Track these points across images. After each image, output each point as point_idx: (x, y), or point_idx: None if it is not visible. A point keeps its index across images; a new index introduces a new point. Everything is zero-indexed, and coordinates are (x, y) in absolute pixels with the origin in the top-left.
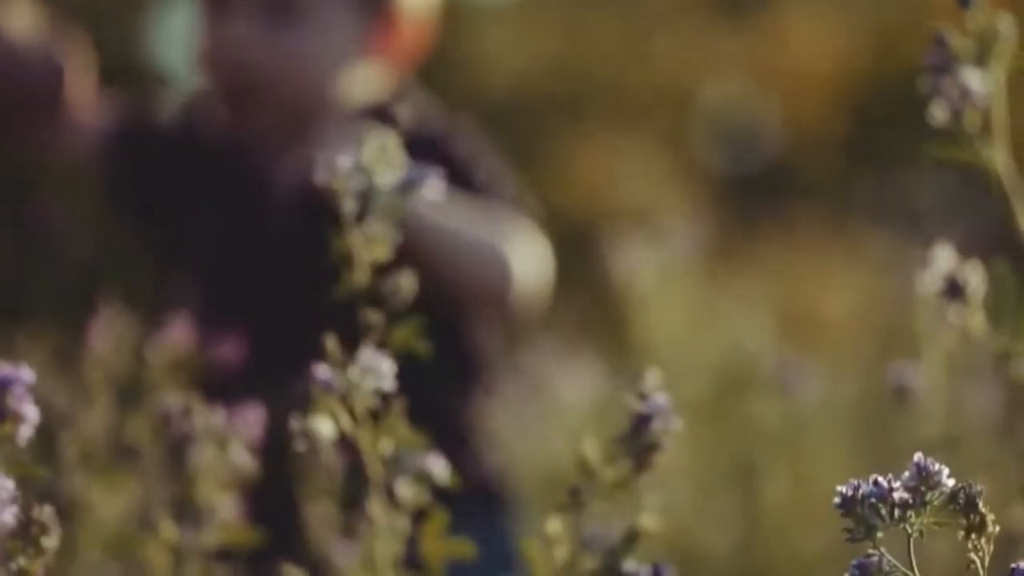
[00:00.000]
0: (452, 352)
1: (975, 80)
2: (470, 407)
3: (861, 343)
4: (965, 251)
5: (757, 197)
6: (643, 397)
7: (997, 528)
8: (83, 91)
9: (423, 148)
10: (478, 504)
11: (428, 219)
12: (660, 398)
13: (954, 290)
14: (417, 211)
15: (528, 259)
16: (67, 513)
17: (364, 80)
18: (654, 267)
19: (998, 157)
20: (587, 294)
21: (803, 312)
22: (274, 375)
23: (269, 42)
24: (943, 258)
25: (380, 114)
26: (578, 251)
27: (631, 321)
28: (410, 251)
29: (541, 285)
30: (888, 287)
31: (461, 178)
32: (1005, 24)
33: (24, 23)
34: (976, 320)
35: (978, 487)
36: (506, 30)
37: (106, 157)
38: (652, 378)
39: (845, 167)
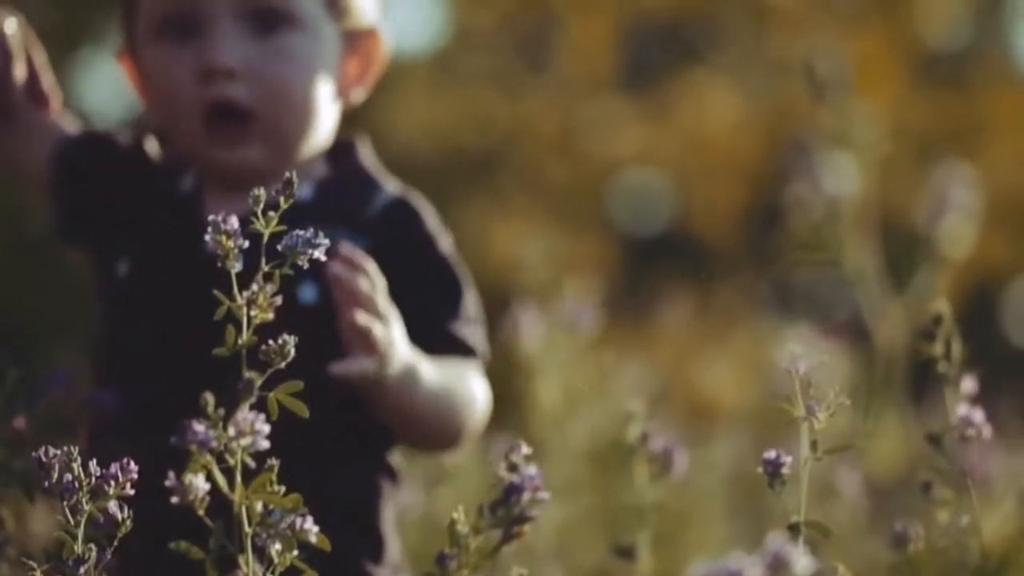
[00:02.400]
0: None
1: (831, 178)
2: (376, 483)
3: (743, 419)
4: (842, 331)
5: (656, 267)
6: (513, 468)
7: None
8: (40, 90)
9: (392, 210)
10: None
11: (424, 379)
12: (530, 469)
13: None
14: (418, 372)
15: (480, 412)
16: None
17: (330, 120)
18: (543, 340)
19: (854, 253)
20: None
21: (690, 387)
22: (162, 426)
23: (263, 56)
24: (801, 343)
25: (343, 163)
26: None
27: (520, 394)
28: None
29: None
30: (770, 364)
31: (426, 248)
32: (864, 116)
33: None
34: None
35: (837, 570)
36: (419, 91)
37: (60, 165)
38: (523, 449)
39: (741, 242)
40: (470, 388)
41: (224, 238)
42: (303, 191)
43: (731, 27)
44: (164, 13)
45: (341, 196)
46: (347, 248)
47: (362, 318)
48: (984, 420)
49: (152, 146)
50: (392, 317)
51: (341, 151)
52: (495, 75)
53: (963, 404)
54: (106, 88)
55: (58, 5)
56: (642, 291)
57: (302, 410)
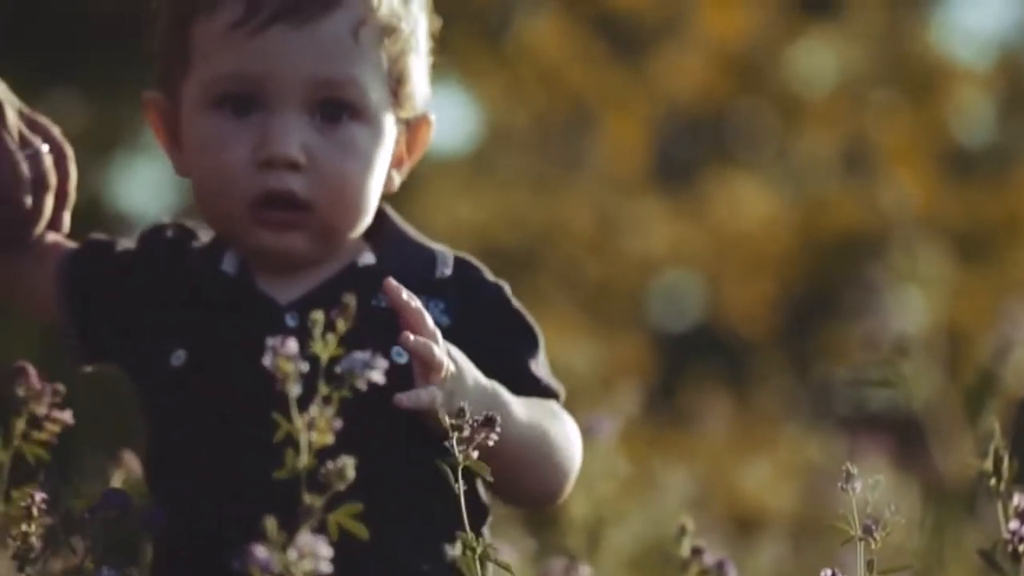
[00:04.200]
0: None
1: (897, 310)
2: None
3: (786, 525)
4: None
5: (692, 366)
6: None
7: None
8: (61, 213)
9: (462, 270)
10: None
11: (517, 421)
12: None
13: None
14: (508, 411)
15: (576, 452)
16: None
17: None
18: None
19: (917, 384)
20: None
21: (731, 491)
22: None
23: (327, 149)
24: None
25: (385, 230)
26: None
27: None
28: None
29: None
30: (816, 473)
31: (502, 302)
32: (929, 252)
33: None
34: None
35: None
36: (455, 190)
37: (65, 281)
38: (583, 571)
39: (777, 340)
40: (562, 425)
41: (283, 361)
42: (366, 258)
43: (762, 123)
44: (226, 89)
45: (403, 261)
46: (394, 283)
47: (418, 339)
48: None
49: (175, 234)
50: (454, 350)
51: (375, 219)
52: (530, 174)
53: (1014, 520)
54: (142, 191)
55: (92, 106)
56: (679, 390)
57: (362, 533)
